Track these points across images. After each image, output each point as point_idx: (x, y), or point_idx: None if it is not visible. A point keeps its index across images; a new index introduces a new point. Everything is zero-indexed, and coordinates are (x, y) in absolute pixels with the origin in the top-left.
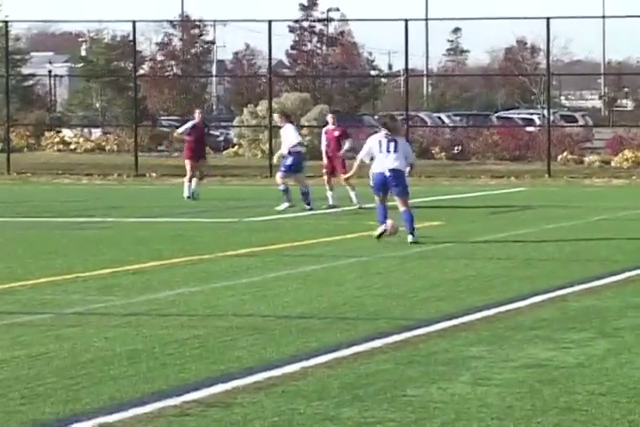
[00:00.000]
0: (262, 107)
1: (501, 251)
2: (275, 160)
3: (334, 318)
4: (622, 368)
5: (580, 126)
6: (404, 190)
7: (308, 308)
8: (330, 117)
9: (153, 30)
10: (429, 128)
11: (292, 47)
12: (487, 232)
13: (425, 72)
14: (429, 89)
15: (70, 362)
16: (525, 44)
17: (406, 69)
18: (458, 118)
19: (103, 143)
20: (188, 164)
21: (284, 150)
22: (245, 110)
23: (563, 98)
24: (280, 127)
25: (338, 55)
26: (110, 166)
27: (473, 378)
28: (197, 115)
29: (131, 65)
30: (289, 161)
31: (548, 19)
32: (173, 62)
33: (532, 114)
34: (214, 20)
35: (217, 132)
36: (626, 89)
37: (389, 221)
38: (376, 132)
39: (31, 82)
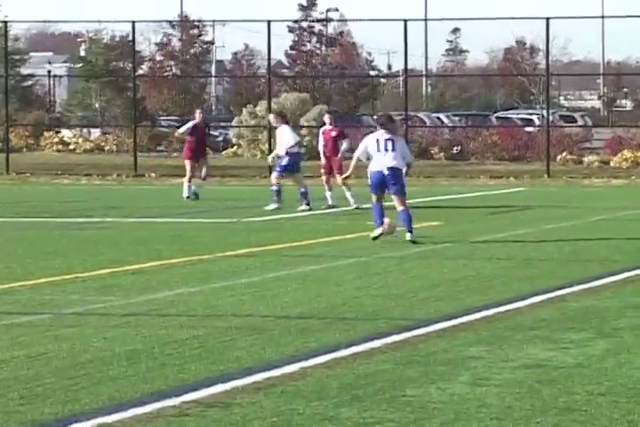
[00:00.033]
0: (261, 107)
1: (500, 251)
2: (269, 160)
3: (333, 318)
4: (621, 368)
5: (579, 126)
6: (402, 189)
7: (307, 308)
8: (327, 117)
9: (152, 30)
10: (428, 128)
11: (292, 47)
12: (486, 232)
13: (424, 72)
14: (428, 89)
15: (69, 362)
16: (524, 44)
17: (405, 70)
18: (457, 118)
19: (102, 143)
20: (187, 164)
21: (279, 151)
22: (244, 111)
23: (562, 98)
24: (276, 128)
25: (337, 55)
26: (109, 167)
27: (472, 378)
28: (198, 115)
29: (130, 65)
30: (285, 161)
31: (547, 19)
32: (172, 62)
33: (531, 114)
34: (213, 21)
35: (216, 133)
36: (625, 89)
37: (386, 220)
38: (372, 132)
39: (30, 82)
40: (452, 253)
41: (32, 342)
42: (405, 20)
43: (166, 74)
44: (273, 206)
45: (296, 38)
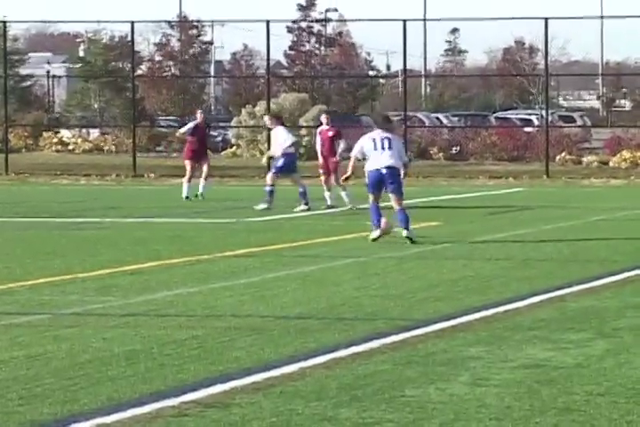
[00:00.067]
0: (260, 107)
1: (500, 251)
2: (263, 161)
3: (332, 318)
4: (621, 369)
5: (579, 127)
6: (400, 188)
7: (306, 308)
8: (324, 118)
9: (151, 31)
10: (427, 128)
11: (291, 48)
12: (485, 232)
13: (423, 72)
14: (427, 89)
15: (68, 363)
16: (523, 44)
17: (404, 70)
18: (456, 119)
19: (101, 144)
20: (187, 164)
21: (274, 152)
22: (243, 111)
23: (561, 98)
24: (271, 129)
25: (336, 56)
26: (108, 167)
27: (471, 378)
28: (199, 115)
29: (129, 65)
30: (280, 162)
31: (546, 19)
32: (171, 63)
33: (530, 114)
34: (212, 21)
35: (215, 133)
36: (624, 89)
37: (383, 219)
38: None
39: (29, 82)
40: (450, 254)
41: (31, 343)
42: (404, 21)
43: (165, 74)
44: (262, 206)
45: (295, 38)
